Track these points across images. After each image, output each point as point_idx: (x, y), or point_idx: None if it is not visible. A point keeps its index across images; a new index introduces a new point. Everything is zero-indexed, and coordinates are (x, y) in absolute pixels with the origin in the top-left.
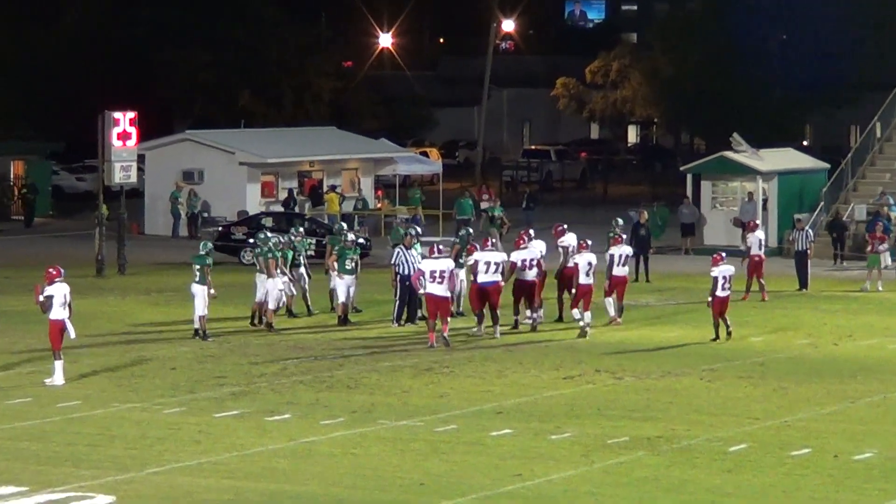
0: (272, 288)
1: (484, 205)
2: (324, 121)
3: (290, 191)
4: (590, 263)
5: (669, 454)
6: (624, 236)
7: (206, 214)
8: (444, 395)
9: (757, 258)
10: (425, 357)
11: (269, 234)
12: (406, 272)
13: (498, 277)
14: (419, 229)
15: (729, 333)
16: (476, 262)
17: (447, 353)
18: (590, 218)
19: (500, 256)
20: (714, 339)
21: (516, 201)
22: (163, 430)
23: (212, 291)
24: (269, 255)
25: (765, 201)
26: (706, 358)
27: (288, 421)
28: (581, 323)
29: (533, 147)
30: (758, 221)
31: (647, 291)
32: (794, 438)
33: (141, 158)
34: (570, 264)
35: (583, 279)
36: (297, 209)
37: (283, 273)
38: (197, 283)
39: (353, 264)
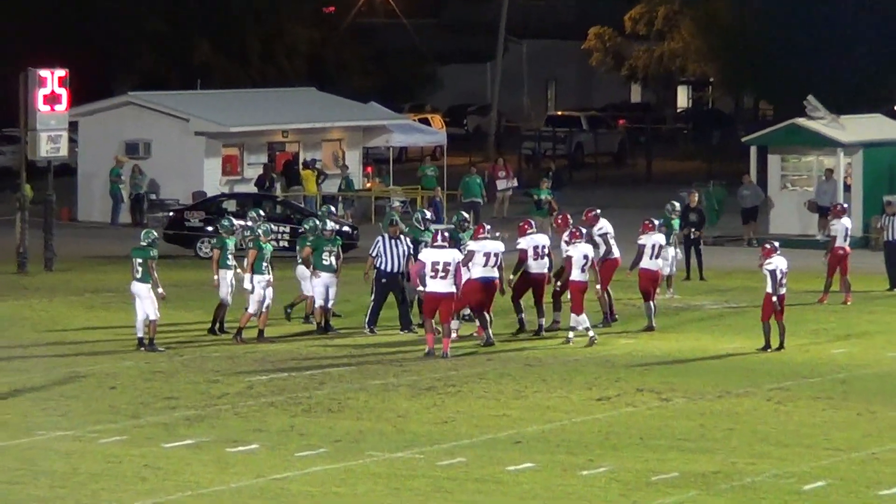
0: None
1: (501, 184)
2: (300, 80)
3: (267, 166)
4: (585, 257)
5: (729, 494)
6: (657, 222)
7: (153, 196)
8: (448, 420)
9: (841, 251)
10: (426, 373)
11: (233, 221)
12: (387, 268)
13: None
14: (428, 214)
15: (781, 344)
16: (472, 252)
17: (452, 369)
18: (629, 200)
19: (499, 246)
20: (763, 349)
21: (537, 180)
22: (99, 463)
23: (160, 291)
24: (251, 244)
25: (846, 181)
26: (774, 374)
27: (255, 453)
28: (581, 328)
29: (559, 113)
30: (844, 205)
31: (702, 291)
32: (883, 475)
33: (73, 127)
34: (613, 256)
35: (576, 275)
36: (276, 190)
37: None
38: (139, 280)
39: (333, 259)
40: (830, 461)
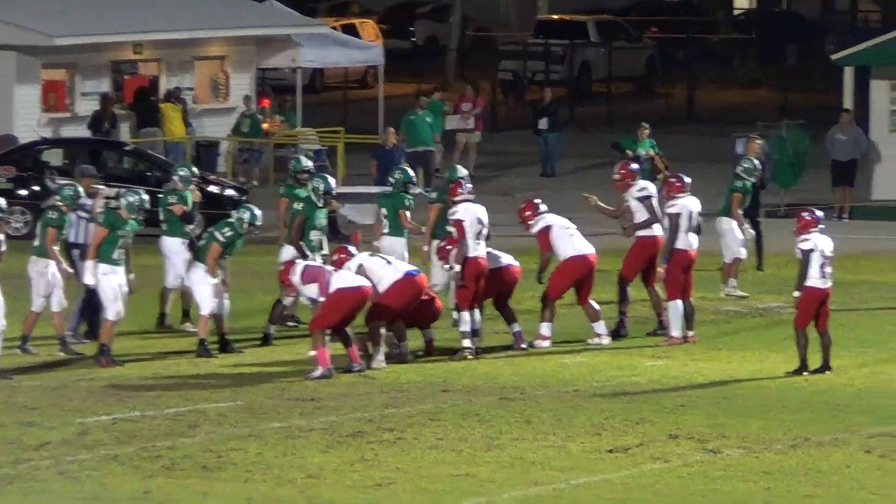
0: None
1: (458, 122)
2: None
3: (108, 97)
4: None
5: None
6: (687, 180)
7: None
8: (384, 482)
9: None
10: (350, 412)
11: (61, 183)
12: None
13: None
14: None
15: (825, 365)
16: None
17: (391, 405)
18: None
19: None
20: (796, 372)
21: (523, 118)
22: None
23: None
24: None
25: None
26: (878, 413)
27: None
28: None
29: (555, 17)
30: None
31: (768, 288)
32: None
33: None
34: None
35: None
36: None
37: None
38: None
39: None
40: None
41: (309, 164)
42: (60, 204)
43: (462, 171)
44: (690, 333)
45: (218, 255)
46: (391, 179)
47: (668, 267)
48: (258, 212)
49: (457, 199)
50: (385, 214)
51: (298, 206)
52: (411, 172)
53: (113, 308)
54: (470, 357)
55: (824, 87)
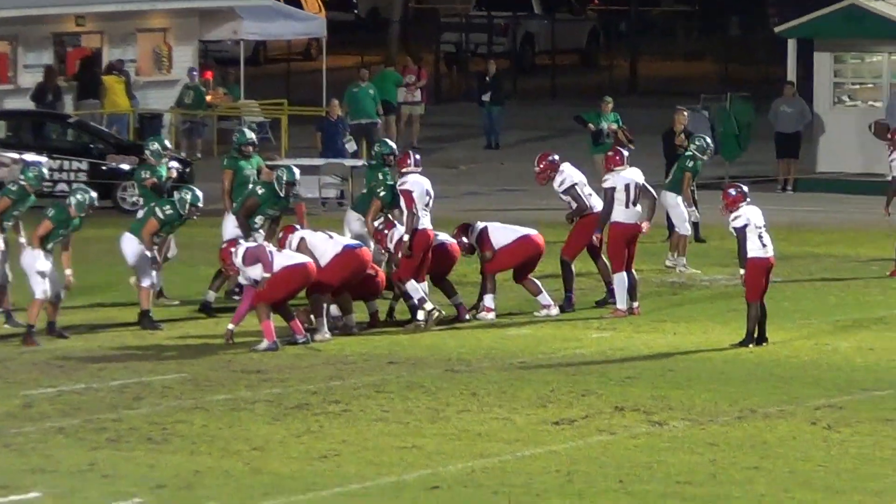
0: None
1: (417, 94)
2: None
3: (51, 69)
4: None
5: None
6: (625, 153)
7: None
8: (329, 454)
9: None
10: (295, 384)
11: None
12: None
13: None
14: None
15: (763, 335)
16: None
17: (336, 377)
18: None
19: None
20: (742, 344)
21: (467, 90)
22: None
23: None
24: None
25: None
26: (822, 384)
27: (37, 503)
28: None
29: None
30: None
31: (710, 261)
32: None
33: None
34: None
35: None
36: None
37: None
38: None
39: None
40: None
41: (253, 136)
42: (24, 183)
43: (392, 145)
44: (635, 305)
45: (154, 230)
46: (372, 152)
47: (611, 240)
48: (199, 193)
49: (405, 170)
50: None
51: (260, 191)
52: (392, 145)
53: (40, 287)
54: (423, 323)
55: (767, 59)
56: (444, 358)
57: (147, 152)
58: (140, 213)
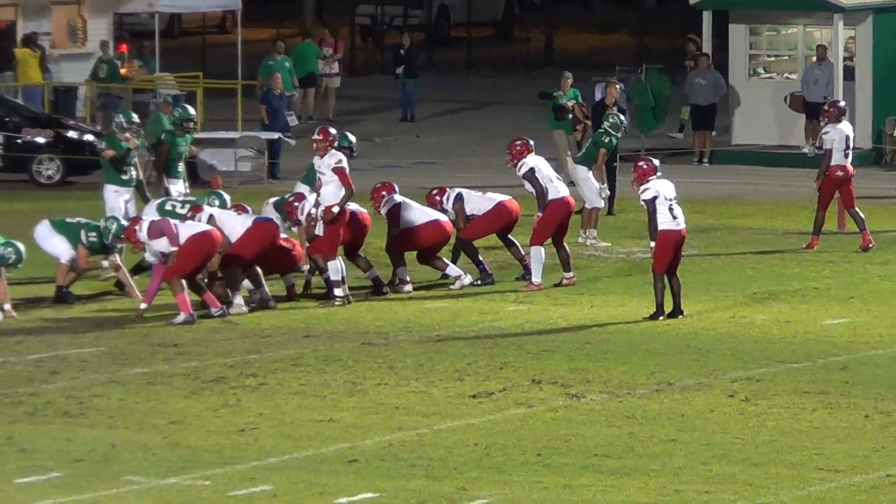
0: None
1: (334, 67)
2: None
3: None
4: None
5: None
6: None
7: None
8: (247, 428)
9: (840, 172)
10: (213, 357)
11: None
12: None
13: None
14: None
15: (678, 308)
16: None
17: (253, 351)
18: (518, 94)
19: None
20: (653, 317)
21: (382, 62)
22: None
23: None
24: None
25: (847, 64)
26: (739, 357)
27: None
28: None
29: None
30: (841, 103)
31: (625, 234)
32: None
33: None
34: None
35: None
36: None
37: None
38: None
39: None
40: (824, 487)
41: (194, 112)
42: None
43: (192, 111)
44: (569, 275)
45: (87, 257)
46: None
47: (543, 217)
48: (125, 222)
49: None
50: None
51: (162, 136)
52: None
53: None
54: (339, 304)
55: (682, 31)
56: (361, 331)
57: (113, 124)
58: (70, 219)
